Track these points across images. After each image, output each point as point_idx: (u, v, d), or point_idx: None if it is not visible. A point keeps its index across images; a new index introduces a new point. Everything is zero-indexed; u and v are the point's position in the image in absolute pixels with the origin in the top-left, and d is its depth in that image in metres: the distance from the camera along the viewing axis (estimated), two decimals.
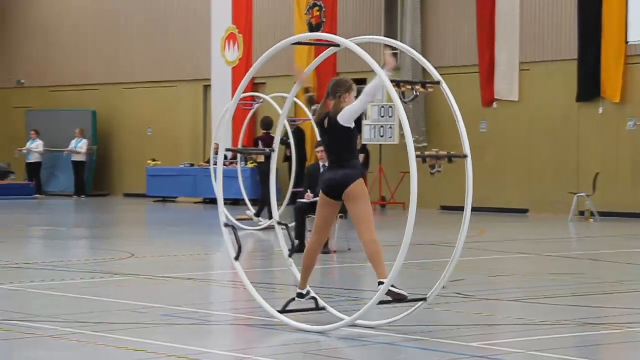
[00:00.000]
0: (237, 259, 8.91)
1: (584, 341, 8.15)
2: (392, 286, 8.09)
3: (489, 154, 23.76)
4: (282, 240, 9.21)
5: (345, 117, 8.40)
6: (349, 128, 8.40)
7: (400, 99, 8.11)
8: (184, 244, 16.41)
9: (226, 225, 8.95)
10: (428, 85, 8.54)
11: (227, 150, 9.76)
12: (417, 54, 8.69)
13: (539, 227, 20.41)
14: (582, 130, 22.85)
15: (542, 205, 23.23)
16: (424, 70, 24.74)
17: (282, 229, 9.17)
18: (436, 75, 8.58)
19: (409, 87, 8.41)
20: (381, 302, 8.16)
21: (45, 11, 32.39)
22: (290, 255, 9.09)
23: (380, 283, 8.12)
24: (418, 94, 8.42)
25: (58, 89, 32.19)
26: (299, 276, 8.84)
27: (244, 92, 22.42)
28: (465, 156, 8.40)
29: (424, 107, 24.49)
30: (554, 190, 23.00)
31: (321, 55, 9.10)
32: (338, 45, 8.53)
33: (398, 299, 8.19)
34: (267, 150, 9.58)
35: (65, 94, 31.96)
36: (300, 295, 8.75)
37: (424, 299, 8.48)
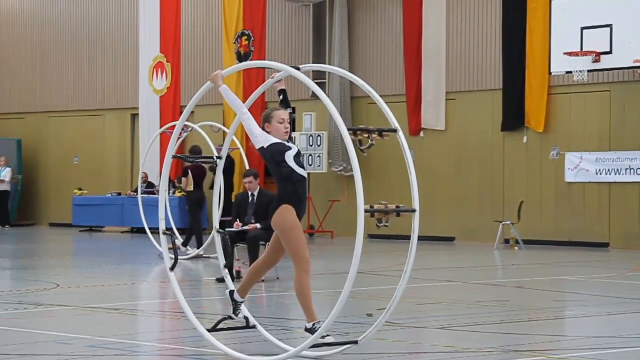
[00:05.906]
0: (172, 269, 8.84)
1: None
2: (322, 337, 7.87)
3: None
4: (219, 249, 9.15)
5: (253, 141, 8.37)
6: (262, 148, 8.38)
7: (356, 147, 8.05)
8: (110, 274, 16.26)
9: (165, 233, 8.92)
10: (384, 133, 8.42)
11: (174, 157, 9.63)
12: (377, 96, 8.63)
13: (465, 255, 20.62)
14: (507, 159, 23.19)
15: (469, 233, 23.49)
16: (352, 100, 25.14)
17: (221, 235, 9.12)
18: (394, 122, 8.51)
19: (366, 135, 8.32)
20: (313, 346, 7.96)
21: None
22: (226, 267, 8.99)
23: (307, 329, 8.01)
24: (374, 142, 8.33)
25: None
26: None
27: (170, 122, 22.49)
28: (414, 210, 8.33)
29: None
30: (480, 219, 23.29)
31: (263, 85, 9.06)
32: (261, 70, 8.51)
33: (327, 344, 8.05)
34: (214, 158, 9.35)
35: None
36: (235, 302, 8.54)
37: (355, 342, 8.34)
